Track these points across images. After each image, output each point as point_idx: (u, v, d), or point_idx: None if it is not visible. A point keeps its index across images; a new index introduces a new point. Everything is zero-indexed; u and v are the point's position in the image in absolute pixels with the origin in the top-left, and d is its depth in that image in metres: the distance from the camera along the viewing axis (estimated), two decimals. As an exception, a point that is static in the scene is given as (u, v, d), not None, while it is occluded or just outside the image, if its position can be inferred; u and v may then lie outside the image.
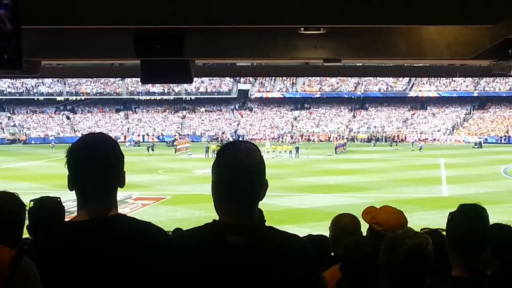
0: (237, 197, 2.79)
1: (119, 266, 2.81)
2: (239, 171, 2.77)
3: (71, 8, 5.40)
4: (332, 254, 5.15)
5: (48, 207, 4.70)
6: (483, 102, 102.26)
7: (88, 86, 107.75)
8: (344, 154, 72.09)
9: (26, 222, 4.20)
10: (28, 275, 2.76)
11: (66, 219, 4.26)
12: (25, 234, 4.28)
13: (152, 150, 74.19)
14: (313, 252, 2.90)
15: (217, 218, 2.86)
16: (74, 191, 2.95)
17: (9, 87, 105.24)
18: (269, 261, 2.74)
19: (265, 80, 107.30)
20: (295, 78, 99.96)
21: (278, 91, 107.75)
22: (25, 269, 2.74)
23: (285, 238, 2.86)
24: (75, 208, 2.95)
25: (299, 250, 2.85)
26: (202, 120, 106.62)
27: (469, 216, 3.61)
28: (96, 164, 2.87)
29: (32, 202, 4.65)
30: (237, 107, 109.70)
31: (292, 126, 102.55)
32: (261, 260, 2.74)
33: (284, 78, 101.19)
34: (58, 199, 4.82)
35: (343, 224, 5.06)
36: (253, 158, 2.81)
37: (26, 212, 3.96)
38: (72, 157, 2.90)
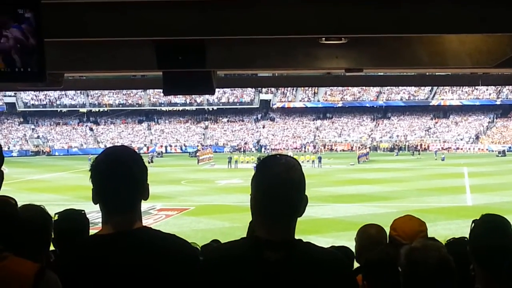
0: (275, 212, 2.72)
1: (144, 280, 2.81)
2: (277, 186, 2.71)
3: (92, 20, 5.44)
4: (358, 264, 5.13)
5: (73, 219, 4.71)
6: (506, 110, 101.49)
7: (111, 98, 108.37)
8: (366, 164, 71.88)
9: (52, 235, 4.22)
10: None
11: (91, 232, 4.29)
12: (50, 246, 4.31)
13: (152, 161, 71.85)
14: (350, 268, 2.85)
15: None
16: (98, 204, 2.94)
17: (32, 99, 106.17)
18: (305, 277, 2.69)
19: (286, 90, 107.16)
20: (317, 88, 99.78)
21: (300, 100, 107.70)
22: (48, 284, 2.72)
23: (322, 253, 2.81)
24: (99, 220, 2.95)
25: (336, 266, 2.80)
26: (225, 131, 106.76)
27: (491, 228, 3.54)
28: (120, 177, 2.87)
29: (57, 215, 4.68)
30: (259, 117, 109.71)
31: (315, 136, 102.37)
32: (297, 276, 2.68)
33: (306, 88, 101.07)
34: (83, 212, 4.84)
35: (369, 234, 5.05)
36: (292, 172, 2.74)
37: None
38: (96, 171, 2.90)
